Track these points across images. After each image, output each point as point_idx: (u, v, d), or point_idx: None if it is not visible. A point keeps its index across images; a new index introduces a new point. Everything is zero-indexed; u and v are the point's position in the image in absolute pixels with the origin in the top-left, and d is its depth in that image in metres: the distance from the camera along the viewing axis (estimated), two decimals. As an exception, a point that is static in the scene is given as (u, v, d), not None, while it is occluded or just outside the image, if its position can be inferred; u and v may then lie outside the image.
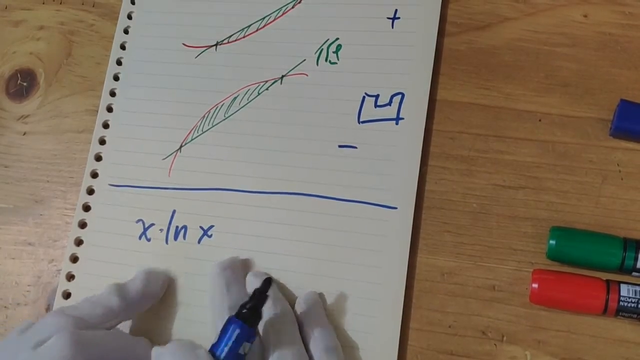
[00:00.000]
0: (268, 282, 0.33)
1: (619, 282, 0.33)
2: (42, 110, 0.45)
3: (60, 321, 0.33)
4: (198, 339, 0.36)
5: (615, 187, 0.35)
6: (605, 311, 0.33)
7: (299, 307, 0.36)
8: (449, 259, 0.36)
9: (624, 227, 0.35)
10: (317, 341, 0.34)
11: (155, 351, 0.32)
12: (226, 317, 0.32)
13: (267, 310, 0.34)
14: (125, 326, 0.38)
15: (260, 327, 0.34)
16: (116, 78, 0.44)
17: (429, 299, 0.36)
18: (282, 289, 0.37)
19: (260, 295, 0.33)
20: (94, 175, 0.42)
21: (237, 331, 0.31)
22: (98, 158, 0.42)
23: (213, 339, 0.32)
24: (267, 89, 0.41)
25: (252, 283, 0.36)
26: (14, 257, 0.43)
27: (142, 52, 0.44)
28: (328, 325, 0.35)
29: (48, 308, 0.41)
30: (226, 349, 0.31)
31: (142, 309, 0.37)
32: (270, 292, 0.33)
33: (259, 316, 0.32)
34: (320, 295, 0.37)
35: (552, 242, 0.34)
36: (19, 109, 0.45)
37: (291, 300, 0.37)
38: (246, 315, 0.32)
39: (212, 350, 0.32)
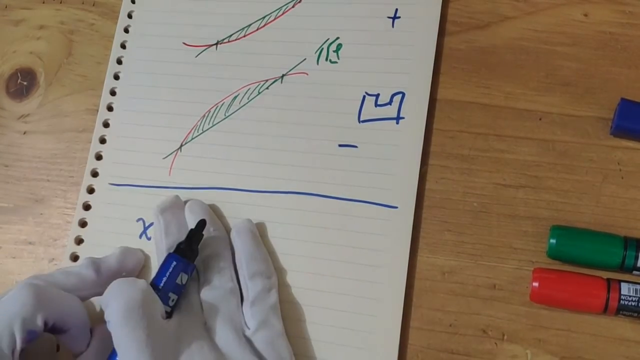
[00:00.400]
0: (202, 224, 0.36)
1: (620, 281, 0.33)
2: (42, 109, 0.45)
3: (29, 280, 0.34)
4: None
5: (616, 186, 0.35)
6: (605, 310, 0.33)
7: (232, 237, 0.37)
8: (449, 258, 0.36)
9: (624, 226, 0.35)
10: (244, 268, 0.36)
11: (102, 300, 0.33)
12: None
13: (203, 240, 0.36)
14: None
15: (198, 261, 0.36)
16: (116, 77, 0.44)
17: (429, 298, 0.36)
18: (283, 288, 0.37)
19: (194, 235, 0.36)
20: (94, 174, 0.42)
21: (174, 263, 0.35)
22: (98, 157, 0.42)
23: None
24: (267, 88, 0.41)
25: (189, 219, 0.38)
26: (14, 256, 0.43)
27: (142, 51, 0.44)
28: (257, 252, 0.36)
29: None
30: (164, 279, 0.34)
31: None
32: (206, 228, 0.36)
33: (194, 252, 0.35)
34: (318, 290, 0.37)
35: (553, 240, 0.34)
36: (19, 108, 0.45)
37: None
38: (182, 250, 0.35)
39: (153, 282, 0.34)
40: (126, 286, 0.33)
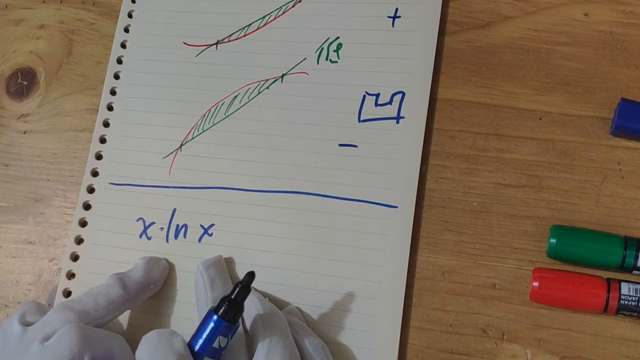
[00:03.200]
0: (251, 275, 0.33)
1: (620, 281, 0.33)
2: (42, 109, 0.45)
3: (66, 316, 0.34)
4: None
5: (616, 186, 0.35)
6: (605, 310, 0.33)
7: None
8: (449, 258, 0.36)
9: (624, 226, 0.35)
10: (306, 341, 0.34)
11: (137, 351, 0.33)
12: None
13: (258, 306, 0.34)
14: (124, 322, 0.38)
15: (249, 321, 0.34)
16: (117, 77, 0.44)
17: (429, 297, 0.36)
18: (283, 288, 0.37)
19: (241, 289, 0.32)
20: (95, 173, 0.42)
21: (211, 325, 0.32)
22: (98, 157, 0.42)
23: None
24: (267, 87, 0.41)
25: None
26: (14, 256, 0.43)
27: (142, 50, 0.44)
28: (312, 332, 0.35)
29: (49, 307, 0.41)
30: (200, 342, 0.32)
31: (143, 298, 0.37)
32: (254, 296, 0.34)
33: (239, 310, 0.32)
34: (318, 290, 0.37)
35: (553, 240, 0.34)
36: (20, 108, 0.45)
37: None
38: (224, 309, 0.32)
39: (190, 343, 0.32)
40: (161, 348, 0.31)
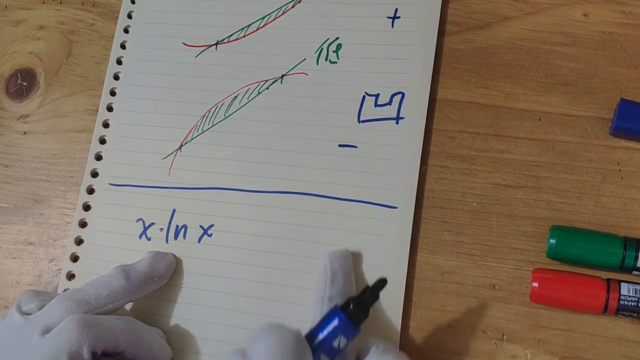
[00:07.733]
0: (383, 282, 0.31)
1: (619, 281, 0.33)
2: (42, 109, 0.45)
3: (67, 305, 0.34)
4: (197, 338, 0.37)
5: (615, 186, 0.35)
6: (605, 310, 0.33)
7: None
8: (449, 258, 0.36)
9: (624, 226, 0.35)
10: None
11: (249, 338, 0.31)
12: (322, 308, 0.33)
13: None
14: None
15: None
16: (116, 77, 0.44)
17: (429, 298, 0.36)
18: (283, 288, 0.37)
19: (370, 293, 0.31)
20: (94, 174, 0.42)
21: (335, 322, 0.30)
22: (98, 157, 0.42)
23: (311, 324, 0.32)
24: (267, 88, 0.41)
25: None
26: (14, 257, 0.43)
27: (142, 51, 0.44)
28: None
29: (47, 291, 0.41)
30: (320, 337, 0.30)
31: (147, 291, 0.37)
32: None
33: (364, 314, 0.31)
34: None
35: (552, 241, 0.34)
36: (19, 109, 0.45)
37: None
38: (350, 310, 0.30)
39: (309, 335, 0.30)
40: (279, 329, 0.30)
